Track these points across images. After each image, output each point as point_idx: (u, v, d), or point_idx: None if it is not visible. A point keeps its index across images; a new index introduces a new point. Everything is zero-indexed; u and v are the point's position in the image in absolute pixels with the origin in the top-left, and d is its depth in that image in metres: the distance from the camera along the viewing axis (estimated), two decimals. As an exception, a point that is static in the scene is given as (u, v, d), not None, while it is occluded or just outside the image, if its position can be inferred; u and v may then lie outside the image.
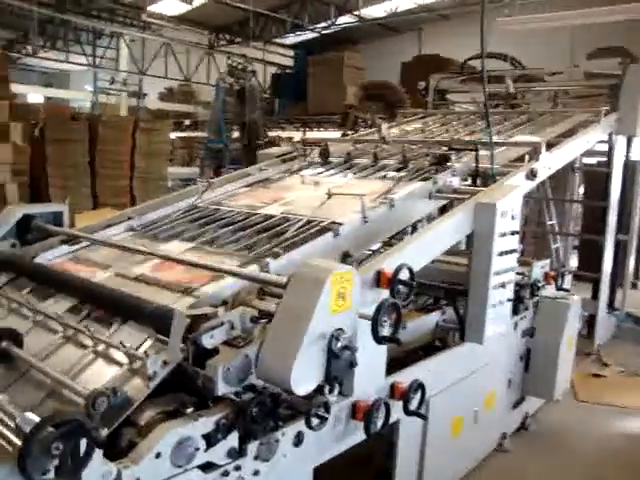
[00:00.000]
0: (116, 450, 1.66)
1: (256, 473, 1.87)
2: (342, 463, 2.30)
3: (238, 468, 1.81)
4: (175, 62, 19.06)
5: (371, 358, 2.21)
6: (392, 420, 2.27)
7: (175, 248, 2.78)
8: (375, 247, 3.52)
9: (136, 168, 7.05)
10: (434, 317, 3.42)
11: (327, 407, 1.91)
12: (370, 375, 2.25)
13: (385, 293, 2.15)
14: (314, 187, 3.62)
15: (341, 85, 14.05)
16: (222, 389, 1.74)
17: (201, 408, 1.79)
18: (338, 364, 1.83)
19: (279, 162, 4.39)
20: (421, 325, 3.34)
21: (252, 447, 1.85)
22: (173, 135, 17.68)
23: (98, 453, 1.47)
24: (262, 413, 1.82)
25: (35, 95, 19.20)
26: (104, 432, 1.64)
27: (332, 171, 4.03)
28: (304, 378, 1.75)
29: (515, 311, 3.25)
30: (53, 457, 1.34)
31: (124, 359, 1.89)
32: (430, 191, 3.21)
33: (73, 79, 23.72)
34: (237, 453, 1.81)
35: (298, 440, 1.98)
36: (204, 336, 1.78)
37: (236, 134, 12.55)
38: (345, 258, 2.74)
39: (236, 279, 2.24)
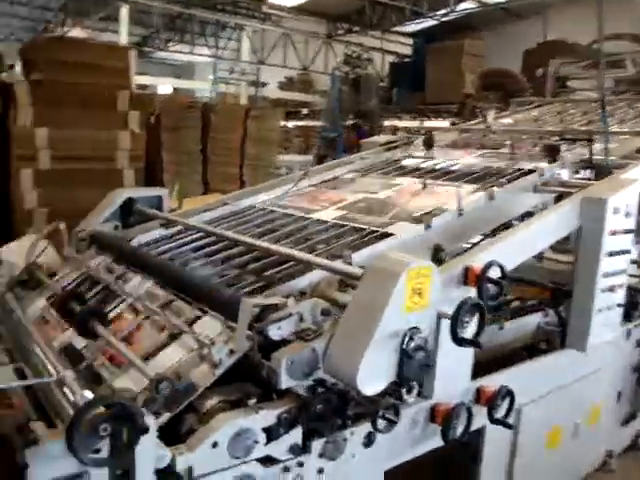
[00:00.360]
0: (178, 435, 1.66)
1: (320, 471, 1.80)
2: (422, 467, 2.18)
3: (301, 465, 1.75)
4: (294, 52, 19.34)
5: (455, 359, 2.06)
6: (475, 427, 2.11)
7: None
8: (474, 241, 3.33)
9: (246, 155, 7.19)
10: (535, 318, 3.18)
11: (396, 410, 1.80)
12: (453, 377, 2.11)
13: (472, 292, 2.00)
14: (412, 177, 3.48)
15: (460, 73, 13.63)
16: (285, 382, 1.68)
17: (266, 400, 1.75)
18: (411, 365, 1.71)
19: (382, 150, 4.29)
20: (521, 326, 3.11)
21: (317, 444, 1.78)
22: (290, 124, 18.06)
23: (152, 437, 1.46)
24: (328, 410, 1.75)
25: (165, 86, 20.25)
26: (165, 416, 1.64)
27: (434, 161, 3.86)
28: (372, 377, 1.64)
29: (628, 318, 2.95)
30: (101, 437, 1.34)
31: (195, 345, 1.88)
32: (535, 184, 2.97)
33: (198, 70, 24.77)
34: (300, 449, 1.74)
35: (369, 441, 1.88)
36: (271, 327, 1.72)
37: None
38: (437, 252, 2.59)
39: (317, 270, 2.18)
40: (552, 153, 3.21)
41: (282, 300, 1.81)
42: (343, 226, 2.74)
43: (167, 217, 3.25)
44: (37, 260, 3.32)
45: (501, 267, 2.02)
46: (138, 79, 17.42)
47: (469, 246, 3.30)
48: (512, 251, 2.27)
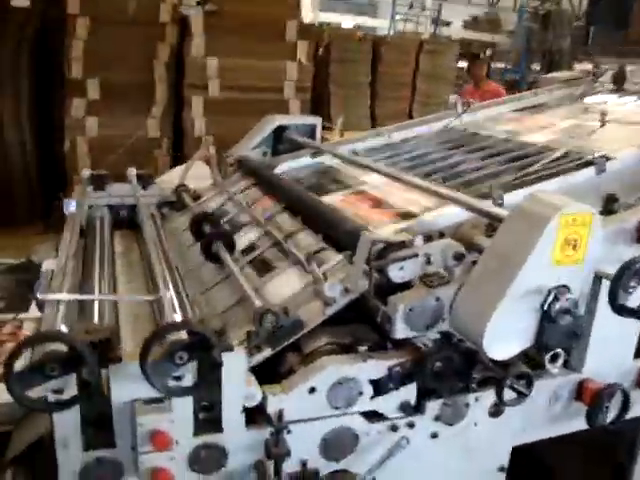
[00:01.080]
0: (278, 375, 1.52)
1: (434, 436, 1.57)
2: (569, 452, 1.88)
3: (411, 425, 1.54)
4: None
5: (616, 331, 1.70)
6: (633, 414, 1.75)
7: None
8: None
9: (417, 91, 6.83)
10: None
11: (529, 381, 1.50)
12: (611, 352, 1.75)
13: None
14: (595, 116, 2.98)
15: (674, 8, 11.81)
16: (401, 332, 1.46)
17: (379, 349, 1.54)
18: (554, 330, 1.40)
19: (561, 87, 3.76)
20: None
21: (433, 405, 1.55)
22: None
23: (241, 372, 1.33)
24: (450, 369, 1.50)
25: (347, 23, 20.04)
26: (266, 352, 1.51)
27: (626, 99, 3.29)
28: (502, 339, 1.37)
29: None
30: (178, 365, 1.23)
31: (310, 279, 1.72)
32: None
33: (381, 8, 24.16)
34: (412, 408, 1.53)
35: (497, 410, 1.62)
36: (391, 266, 1.50)
37: (536, 67, 11.50)
38: (609, 203, 2.17)
39: (461, 209, 1.90)
40: None
41: (408, 237, 1.57)
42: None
43: (316, 146, 3.10)
44: (187, 183, 3.39)
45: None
46: (322, 16, 17.47)
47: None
48: None
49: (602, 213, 2.18)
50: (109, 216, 2.98)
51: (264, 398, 1.38)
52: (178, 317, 1.40)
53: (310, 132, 3.42)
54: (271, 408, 1.39)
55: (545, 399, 1.68)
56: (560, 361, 1.60)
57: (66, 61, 5.57)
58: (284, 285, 1.81)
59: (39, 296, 1.50)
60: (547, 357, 1.49)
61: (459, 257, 1.52)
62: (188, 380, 1.26)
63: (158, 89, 5.81)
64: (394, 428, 1.52)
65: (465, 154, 2.69)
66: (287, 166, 2.97)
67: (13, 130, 5.84)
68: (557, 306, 1.38)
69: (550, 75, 4.23)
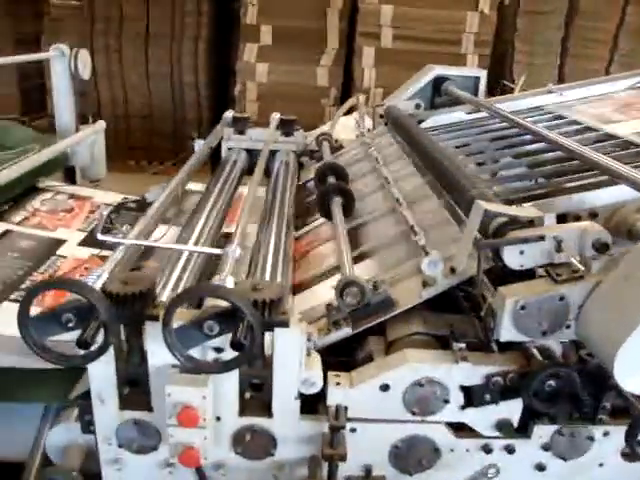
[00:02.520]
0: (352, 362, 1.29)
1: (540, 469, 1.24)
2: None
3: (511, 450, 1.22)
4: None
5: None
6: None
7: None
8: None
9: (619, 50, 5.92)
10: None
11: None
12: None
13: None
14: None
15: None
16: (506, 333, 1.13)
17: (481, 350, 1.23)
18: None
19: None
20: None
21: (543, 430, 1.22)
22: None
23: (297, 352, 1.10)
24: (570, 390, 1.16)
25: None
26: (343, 332, 1.27)
27: None
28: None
29: None
30: (207, 336, 1.04)
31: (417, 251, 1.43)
32: None
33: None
34: (514, 430, 1.21)
35: (634, 452, 1.24)
36: (508, 248, 1.17)
37: None
38: None
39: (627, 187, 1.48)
40: None
41: (538, 214, 1.22)
42: None
43: (475, 100, 2.73)
44: (339, 133, 3.22)
45: None
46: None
47: None
48: None
49: None
50: (246, 160, 2.90)
51: (325, 385, 1.15)
52: (230, 280, 1.20)
53: (473, 85, 3.05)
54: (332, 400, 1.16)
55: None
56: None
57: (243, 6, 5.59)
58: (388, 257, 1.55)
59: (99, 236, 1.39)
60: None
61: (602, 247, 1.15)
62: (227, 354, 1.07)
63: (330, 37, 5.64)
64: (487, 449, 1.22)
65: None
66: (435, 121, 2.64)
67: (190, 72, 6.04)
68: None
69: None
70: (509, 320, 1.12)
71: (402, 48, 5.46)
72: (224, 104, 6.04)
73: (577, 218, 1.48)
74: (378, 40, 5.50)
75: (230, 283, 1.23)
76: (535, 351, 1.20)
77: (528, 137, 2.02)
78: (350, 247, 1.56)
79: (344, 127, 3.23)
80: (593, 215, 1.48)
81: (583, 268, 1.15)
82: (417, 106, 2.92)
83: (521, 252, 1.17)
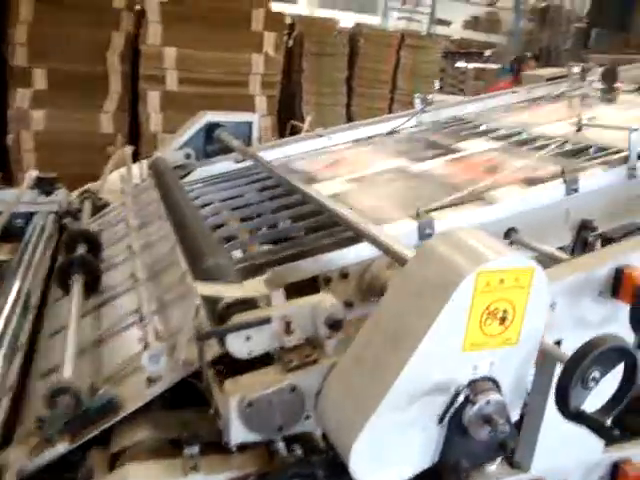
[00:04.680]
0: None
1: None
2: None
3: None
4: (481, -15, 17.56)
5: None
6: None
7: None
8: None
9: (398, 89, 6.31)
10: None
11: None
12: (571, 444, 1.25)
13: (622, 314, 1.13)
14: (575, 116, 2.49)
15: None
16: (237, 435, 0.97)
17: (217, 452, 1.05)
18: (468, 445, 0.92)
19: (544, 85, 3.27)
20: None
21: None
22: (471, 65, 16.46)
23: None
24: (315, 488, 1.01)
25: (346, 21, 19.47)
26: (60, 448, 1.03)
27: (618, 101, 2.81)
28: (380, 460, 0.89)
29: None
30: None
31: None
32: None
33: (380, 5, 23.58)
34: None
35: None
36: (231, 336, 1.01)
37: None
38: (583, 231, 1.68)
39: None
40: None
41: (261, 292, 1.07)
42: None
43: (243, 149, 2.60)
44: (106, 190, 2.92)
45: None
46: (318, 12, 16.92)
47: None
48: None
49: (574, 245, 1.72)
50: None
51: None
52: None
53: (248, 131, 2.95)
54: None
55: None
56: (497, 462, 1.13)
57: (10, 46, 5.07)
58: (121, 345, 1.32)
59: None
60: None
61: (336, 325, 1.03)
62: None
63: (112, 81, 5.31)
64: None
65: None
66: (204, 172, 2.48)
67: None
68: (472, 412, 0.90)
69: (533, 72, 3.73)
70: (237, 420, 0.96)
71: (189, 91, 5.30)
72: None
73: (328, 280, 1.39)
74: (163, 83, 5.29)
75: None
76: (281, 445, 1.04)
77: (285, 189, 1.93)
78: (89, 331, 1.32)
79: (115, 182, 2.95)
80: (344, 275, 1.40)
81: (317, 349, 1.03)
82: (187, 156, 2.72)
83: (248, 338, 1.01)
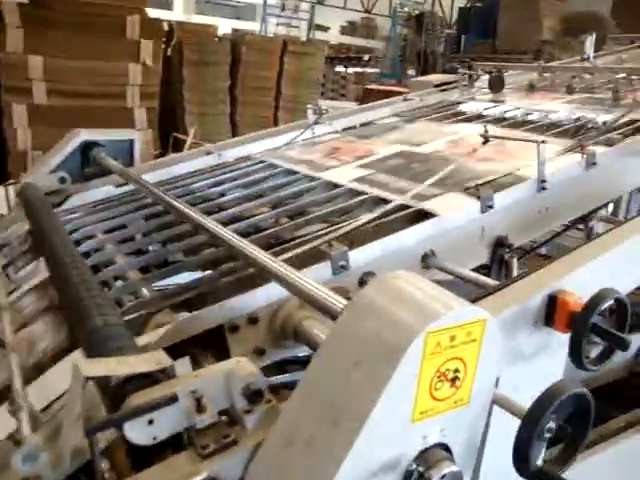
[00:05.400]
0: None
1: None
2: None
3: None
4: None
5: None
6: None
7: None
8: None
9: (282, 96, 6.20)
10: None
11: None
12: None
13: (562, 344, 1.05)
14: (469, 127, 2.47)
15: (537, 19, 12.04)
16: None
17: None
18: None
19: (434, 92, 3.26)
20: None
21: None
22: (351, 70, 16.77)
23: None
24: None
25: (224, 28, 19.19)
26: None
27: (504, 106, 2.83)
28: None
29: None
30: None
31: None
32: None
33: (258, 12, 23.50)
34: None
35: None
36: (129, 424, 0.81)
37: (412, 72, 11.30)
38: (498, 249, 1.62)
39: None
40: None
41: (165, 363, 0.88)
42: (358, 194, 1.78)
43: (124, 172, 2.34)
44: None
45: (621, 302, 1.06)
46: (195, 18, 16.53)
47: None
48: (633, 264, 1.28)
49: (491, 261, 1.66)
50: None
51: None
52: None
53: (129, 150, 2.69)
54: None
55: None
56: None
57: None
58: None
59: None
60: None
61: (255, 396, 0.86)
62: None
63: (-32, 94, 4.81)
64: None
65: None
66: (83, 198, 2.21)
67: None
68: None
69: (421, 78, 3.74)
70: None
71: (59, 105, 4.89)
72: None
73: (235, 328, 1.21)
74: (30, 96, 4.84)
75: None
76: None
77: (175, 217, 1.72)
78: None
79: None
80: (253, 321, 1.22)
81: (237, 427, 0.85)
82: (62, 180, 2.41)
83: (150, 422, 0.82)
